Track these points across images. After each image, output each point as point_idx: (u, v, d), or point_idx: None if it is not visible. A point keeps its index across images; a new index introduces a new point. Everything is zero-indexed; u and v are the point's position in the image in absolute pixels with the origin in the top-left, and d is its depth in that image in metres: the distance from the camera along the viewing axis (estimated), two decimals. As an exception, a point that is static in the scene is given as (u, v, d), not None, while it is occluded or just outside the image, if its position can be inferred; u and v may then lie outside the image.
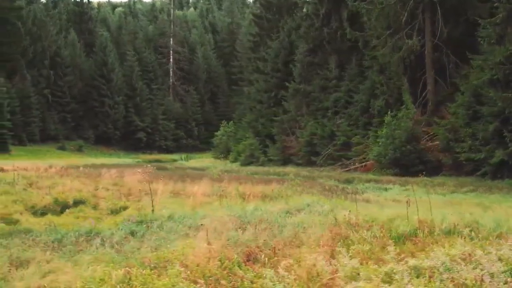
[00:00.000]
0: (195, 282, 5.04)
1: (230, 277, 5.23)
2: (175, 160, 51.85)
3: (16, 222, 10.51)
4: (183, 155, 52.60)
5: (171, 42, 70.87)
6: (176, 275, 5.28)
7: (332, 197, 14.76)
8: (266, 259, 6.32)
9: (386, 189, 19.15)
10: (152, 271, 5.78)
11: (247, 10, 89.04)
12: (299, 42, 38.53)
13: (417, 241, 7.56)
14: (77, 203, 12.70)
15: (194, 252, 5.93)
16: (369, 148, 26.35)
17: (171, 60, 70.63)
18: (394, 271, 5.55)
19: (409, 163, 23.52)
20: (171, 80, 70.29)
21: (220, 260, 5.92)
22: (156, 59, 69.03)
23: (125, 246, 8.02)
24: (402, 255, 6.20)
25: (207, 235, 6.83)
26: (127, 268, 5.77)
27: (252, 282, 5.26)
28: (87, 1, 68.16)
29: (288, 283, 5.04)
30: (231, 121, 48.11)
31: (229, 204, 12.33)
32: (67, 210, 12.18)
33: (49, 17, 58.62)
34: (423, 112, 28.20)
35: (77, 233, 8.76)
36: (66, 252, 7.69)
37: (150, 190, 10.94)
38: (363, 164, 26.45)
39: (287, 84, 35.46)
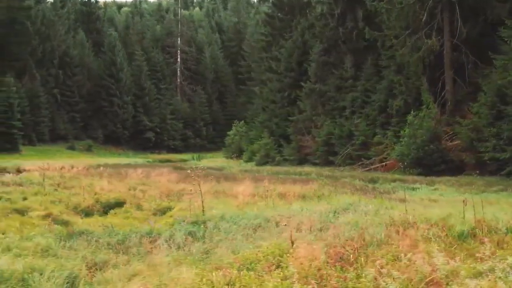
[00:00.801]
0: (307, 283, 5.00)
1: (338, 277, 5.20)
2: (184, 160, 51.75)
3: (67, 223, 10.46)
4: (195, 155, 52.55)
5: (179, 42, 70.83)
6: (283, 277, 5.24)
7: (369, 197, 14.71)
8: (354, 258, 6.30)
9: (413, 189, 19.08)
10: (251, 273, 5.76)
11: (252, 10, 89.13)
12: (312, 41, 38.52)
13: (484, 240, 7.52)
14: (119, 203, 12.67)
15: (296, 253, 5.87)
16: (391, 148, 26.31)
17: (178, 60, 70.61)
18: (495, 268, 5.53)
19: (432, 163, 23.49)
20: (178, 80, 70.27)
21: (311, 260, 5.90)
22: (164, 59, 68.99)
23: (191, 247, 7.98)
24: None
25: (291, 235, 6.80)
26: (226, 269, 5.74)
27: (358, 282, 5.24)
28: (94, 1, 68.13)
29: (400, 283, 5.00)
30: (243, 121, 48.03)
31: (275, 204, 12.28)
32: (111, 210, 12.15)
33: (58, 17, 58.51)
34: (442, 112, 28.14)
35: (138, 234, 8.72)
36: (135, 253, 7.64)
37: (200, 190, 10.87)
38: (384, 163, 26.43)
39: (302, 83, 35.41)
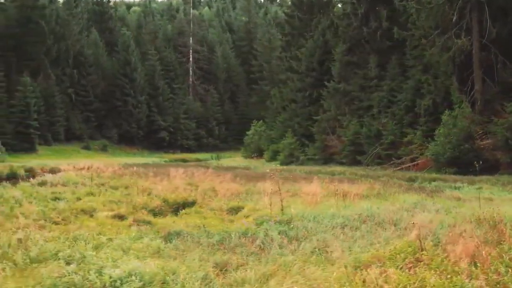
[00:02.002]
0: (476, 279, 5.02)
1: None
2: (200, 160, 51.77)
3: (149, 223, 10.46)
4: (213, 155, 52.58)
5: (191, 41, 70.79)
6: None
7: (422, 195, 14.68)
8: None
9: (456, 188, 19.08)
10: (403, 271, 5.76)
11: (260, 9, 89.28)
12: (333, 41, 38.54)
13: None
14: (188, 203, 12.65)
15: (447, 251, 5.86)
16: (424, 147, 26.33)
17: (190, 59, 70.59)
18: None
19: (467, 162, 23.47)
20: (191, 80, 70.24)
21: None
22: (176, 58, 68.94)
23: (295, 246, 7.94)
24: None
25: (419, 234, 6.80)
26: (383, 268, 5.75)
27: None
28: (107, 0, 68.02)
29: None
30: (261, 120, 47.98)
31: (347, 204, 12.27)
32: (182, 211, 12.13)
33: (72, 16, 58.44)
34: (472, 112, 28.14)
35: (236, 234, 8.71)
36: (245, 253, 7.59)
37: (279, 190, 10.86)
38: (415, 162, 26.44)
39: (325, 83, 35.42)
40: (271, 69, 66.56)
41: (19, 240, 7.26)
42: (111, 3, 71.36)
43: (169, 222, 10.78)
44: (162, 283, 5.88)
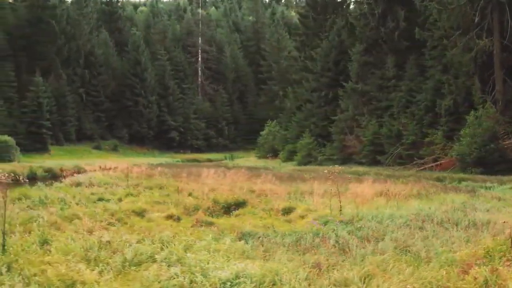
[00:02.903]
0: None
1: None
2: (211, 160, 51.79)
3: (211, 223, 10.49)
4: (227, 155, 52.60)
5: (200, 41, 70.79)
6: None
7: (470, 196, 14.72)
8: None
9: (488, 188, 19.17)
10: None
11: (266, 10, 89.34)
12: (348, 41, 38.62)
13: None
14: (238, 204, 12.69)
15: None
16: (447, 147, 26.40)
17: (199, 59, 70.58)
18: None
19: (493, 162, 23.59)
20: (200, 80, 70.25)
21: None
22: (185, 58, 68.93)
23: (373, 246, 7.97)
24: None
25: None
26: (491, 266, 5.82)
27: None
28: (116, 0, 67.98)
29: None
30: (274, 121, 47.99)
31: (398, 204, 12.31)
32: (234, 211, 12.17)
33: (82, 16, 58.40)
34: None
35: (310, 234, 8.75)
36: (327, 253, 7.62)
37: (338, 190, 10.91)
38: (438, 163, 26.51)
39: (342, 83, 35.48)
40: (280, 69, 66.66)
41: (108, 242, 7.29)
42: (119, 3, 71.22)
43: (230, 222, 10.81)
44: (273, 285, 5.92)
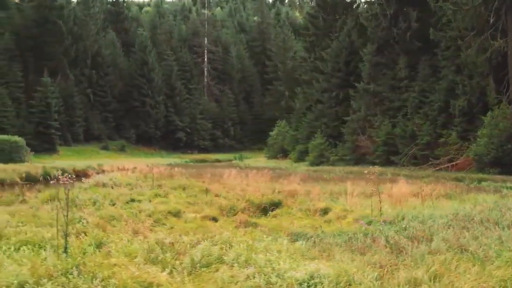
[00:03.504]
0: None
1: None
2: (219, 160, 51.77)
3: (255, 224, 10.52)
4: (236, 155, 52.61)
5: (206, 41, 70.81)
6: None
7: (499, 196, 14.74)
8: None
9: (508, 188, 19.18)
10: None
11: (272, 10, 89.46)
12: (358, 42, 38.67)
13: None
14: (274, 205, 12.71)
15: None
16: (464, 147, 26.44)
17: (205, 59, 70.61)
18: None
19: (510, 162, 23.62)
20: (205, 80, 70.27)
21: None
22: (192, 58, 68.95)
23: (426, 246, 7.99)
24: None
25: None
26: None
27: None
28: (122, 1, 67.96)
29: None
30: (284, 121, 48.00)
31: (433, 204, 12.33)
32: (271, 212, 12.19)
33: (89, 17, 58.42)
34: (507, 112, 28.25)
35: (360, 234, 8.78)
36: (383, 253, 7.63)
37: (378, 191, 10.93)
38: (454, 163, 26.55)
39: (354, 84, 35.51)
40: (286, 69, 66.75)
41: (171, 244, 7.30)
42: (125, 4, 71.19)
43: (272, 223, 10.83)
44: (349, 285, 5.93)
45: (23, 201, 14.66)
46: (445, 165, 26.75)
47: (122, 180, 19.94)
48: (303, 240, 8.57)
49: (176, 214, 12.20)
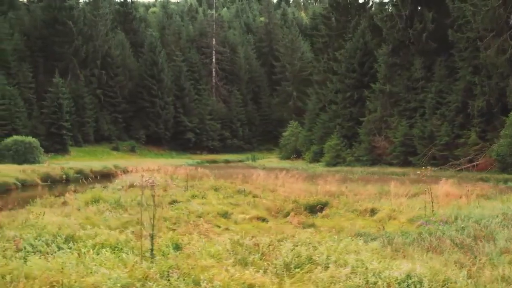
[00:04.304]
0: None
1: None
2: (228, 161, 51.83)
3: (312, 225, 10.59)
4: (249, 155, 52.65)
5: (214, 42, 70.84)
6: None
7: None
8: None
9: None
10: None
11: (277, 10, 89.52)
12: (372, 43, 38.79)
13: None
14: (321, 205, 12.78)
15: None
16: (485, 148, 26.54)
17: (213, 60, 70.65)
18: None
19: (533, 163, 23.75)
20: (213, 80, 70.31)
21: None
22: (200, 59, 69.01)
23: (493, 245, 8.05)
24: None
25: None
26: None
27: None
28: (130, 1, 67.93)
29: None
30: (297, 122, 48.05)
31: (478, 204, 12.41)
32: (319, 213, 12.26)
33: (99, 17, 58.43)
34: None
35: (425, 234, 8.86)
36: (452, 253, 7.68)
37: (430, 192, 11.00)
38: (475, 163, 26.64)
39: (370, 84, 35.60)
40: (293, 70, 66.91)
41: (256, 245, 7.34)
42: (133, 4, 71.15)
43: (329, 223, 10.87)
44: (445, 284, 5.99)
45: (64, 203, 14.61)
46: (466, 166, 26.84)
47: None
48: (369, 239, 8.66)
49: (224, 215, 12.26)
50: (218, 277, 6.07)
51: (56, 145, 47.17)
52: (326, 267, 6.46)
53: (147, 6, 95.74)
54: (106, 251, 7.25)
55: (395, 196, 13.96)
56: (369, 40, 38.74)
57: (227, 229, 10.53)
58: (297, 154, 42.72)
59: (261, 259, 6.93)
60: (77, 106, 52.09)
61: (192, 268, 6.50)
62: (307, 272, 6.43)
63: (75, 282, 5.73)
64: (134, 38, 64.86)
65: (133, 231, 8.49)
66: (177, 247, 7.80)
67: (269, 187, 17.83)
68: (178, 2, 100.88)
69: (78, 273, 5.98)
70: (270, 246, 7.49)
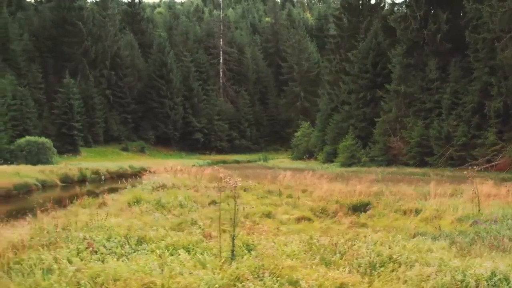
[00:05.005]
0: None
1: None
2: (237, 161, 51.90)
3: (364, 225, 10.69)
4: (260, 156, 52.77)
5: (221, 42, 70.97)
6: None
7: None
8: None
9: None
10: None
11: (282, 11, 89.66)
12: (385, 43, 38.95)
13: None
14: (364, 205, 12.87)
15: None
16: (505, 147, 26.68)
17: (221, 60, 70.77)
18: None
19: (553, 163, 23.88)
20: (221, 81, 70.43)
21: None
22: (207, 59, 69.14)
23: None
24: None
25: None
26: None
27: None
28: (138, 2, 68.00)
29: None
30: (308, 122, 48.21)
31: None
32: (363, 213, 12.35)
33: (109, 18, 58.51)
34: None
35: (484, 233, 8.96)
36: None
37: (477, 193, 11.10)
38: (493, 163, 26.77)
39: (385, 85, 35.74)
40: (301, 70, 67.08)
41: (334, 245, 7.43)
42: (141, 5, 71.21)
43: (381, 223, 10.93)
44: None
45: (103, 204, 14.64)
46: (484, 166, 26.96)
47: (178, 182, 19.99)
48: (430, 239, 8.76)
49: (268, 215, 12.32)
50: (311, 276, 6.15)
51: (67, 145, 47.22)
52: (411, 266, 6.55)
53: (152, 7, 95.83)
54: (181, 252, 7.30)
55: (434, 196, 14.05)
56: (382, 40, 38.89)
57: (277, 229, 10.58)
58: (309, 154, 42.86)
59: (341, 259, 7.01)
60: (86, 106, 52.17)
61: (282, 268, 6.52)
62: (392, 271, 6.52)
63: (169, 283, 5.73)
64: (142, 38, 64.97)
65: (203, 232, 8.56)
66: (248, 248, 7.86)
67: (299, 188, 17.89)
68: (183, 3, 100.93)
69: (163, 275, 5.92)
70: (346, 246, 7.57)
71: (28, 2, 60.89)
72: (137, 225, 9.21)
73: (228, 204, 15.43)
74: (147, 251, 7.40)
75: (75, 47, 54.10)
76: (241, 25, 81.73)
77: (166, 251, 7.25)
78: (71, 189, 27.70)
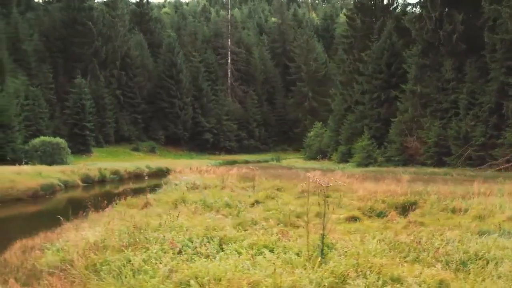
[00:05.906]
0: None
1: None
2: (248, 161, 51.99)
3: (422, 224, 10.86)
4: (273, 156, 52.96)
5: (229, 43, 71.12)
6: None
7: None
8: None
9: None
10: None
11: (289, 11, 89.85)
12: (399, 44, 39.17)
13: None
14: (411, 204, 13.03)
15: None
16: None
17: (229, 61, 70.93)
18: None
19: None
20: (229, 81, 70.59)
21: None
22: (216, 60, 69.30)
23: None
24: None
25: None
26: None
27: None
28: (146, 1, 68.09)
29: None
30: (321, 123, 48.42)
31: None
32: (411, 212, 12.52)
33: (118, 18, 58.58)
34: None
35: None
36: None
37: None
38: (512, 163, 27.06)
39: (401, 85, 35.95)
40: (309, 70, 67.27)
41: (418, 243, 7.62)
42: (150, 5, 71.29)
43: (434, 223, 11.06)
44: None
45: (147, 204, 14.76)
46: (504, 166, 27.21)
47: (208, 182, 20.09)
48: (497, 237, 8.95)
49: (317, 214, 12.46)
50: (411, 273, 6.31)
51: (79, 145, 47.28)
52: (499, 263, 6.74)
53: (158, 7, 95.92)
54: (266, 251, 7.24)
55: (477, 195, 14.25)
56: (396, 41, 39.11)
57: (334, 229, 10.72)
58: (322, 154, 43.09)
59: (428, 256, 7.19)
60: (97, 107, 52.28)
61: (375, 266, 6.66)
62: (482, 268, 6.70)
63: (274, 282, 5.76)
64: (150, 38, 65.08)
65: (281, 230, 8.70)
66: (328, 247, 7.98)
67: (334, 188, 17.97)
68: (188, 3, 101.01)
69: (265, 273, 5.94)
70: (427, 244, 7.74)
71: (37, 2, 60.92)
72: (209, 225, 9.33)
73: (277, 202, 15.49)
74: (232, 250, 7.48)
75: (85, 47, 54.16)
76: (248, 25, 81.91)
77: (251, 250, 7.29)
78: (92, 189, 27.88)
